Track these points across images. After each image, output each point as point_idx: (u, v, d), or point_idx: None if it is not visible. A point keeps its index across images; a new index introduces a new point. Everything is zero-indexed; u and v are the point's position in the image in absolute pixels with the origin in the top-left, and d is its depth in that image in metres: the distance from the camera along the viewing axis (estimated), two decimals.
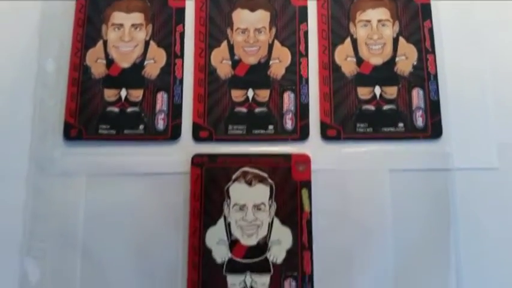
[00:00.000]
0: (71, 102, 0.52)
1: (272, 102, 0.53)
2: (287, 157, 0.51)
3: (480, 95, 0.53)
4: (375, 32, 0.54)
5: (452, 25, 0.55)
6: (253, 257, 0.49)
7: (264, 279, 0.48)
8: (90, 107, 0.53)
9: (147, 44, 0.54)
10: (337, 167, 0.51)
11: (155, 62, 0.54)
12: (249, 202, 0.49)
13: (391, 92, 0.53)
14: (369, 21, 0.55)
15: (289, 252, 0.49)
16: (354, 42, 0.54)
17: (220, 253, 0.49)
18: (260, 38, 0.55)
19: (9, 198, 0.51)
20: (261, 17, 0.55)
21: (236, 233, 0.49)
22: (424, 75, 0.53)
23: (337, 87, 0.53)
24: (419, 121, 0.52)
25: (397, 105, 0.52)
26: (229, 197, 0.50)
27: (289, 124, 0.52)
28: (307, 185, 0.50)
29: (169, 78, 0.53)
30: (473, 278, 0.49)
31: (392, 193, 0.50)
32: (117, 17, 0.55)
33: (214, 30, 0.55)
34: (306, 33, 0.54)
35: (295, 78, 0.53)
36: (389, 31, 0.54)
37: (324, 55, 0.54)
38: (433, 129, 0.52)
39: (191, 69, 0.54)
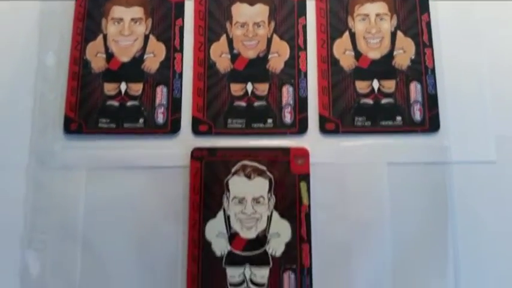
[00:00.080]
0: (71, 96, 0.53)
1: (271, 96, 0.53)
2: (286, 150, 0.51)
3: (478, 89, 0.53)
4: (373, 26, 0.54)
5: (449, 19, 0.55)
6: (252, 250, 0.49)
7: (263, 272, 0.48)
8: (90, 101, 0.53)
9: (146, 38, 0.55)
10: (336, 160, 0.51)
11: (155, 56, 0.54)
12: (248, 195, 0.50)
13: (389, 85, 0.53)
14: (367, 15, 0.55)
15: (288, 245, 0.49)
16: (352, 36, 0.54)
17: (220, 246, 0.49)
18: (259, 32, 0.55)
19: (10, 192, 0.51)
20: (260, 11, 0.55)
21: (235, 226, 0.49)
22: (422, 69, 0.53)
23: (335, 81, 0.53)
24: (417, 115, 0.52)
25: (395, 98, 0.53)
26: (228, 190, 0.50)
27: (288, 118, 0.52)
28: (306, 178, 0.50)
29: (168, 72, 0.54)
30: (471, 271, 0.49)
31: (391, 186, 0.50)
32: (117, 11, 0.55)
33: (213, 24, 0.55)
34: (304, 27, 0.55)
35: (293, 72, 0.53)
36: (387, 25, 0.54)
37: (323, 49, 0.54)
38: (431, 123, 0.52)
39: (190, 63, 0.54)
